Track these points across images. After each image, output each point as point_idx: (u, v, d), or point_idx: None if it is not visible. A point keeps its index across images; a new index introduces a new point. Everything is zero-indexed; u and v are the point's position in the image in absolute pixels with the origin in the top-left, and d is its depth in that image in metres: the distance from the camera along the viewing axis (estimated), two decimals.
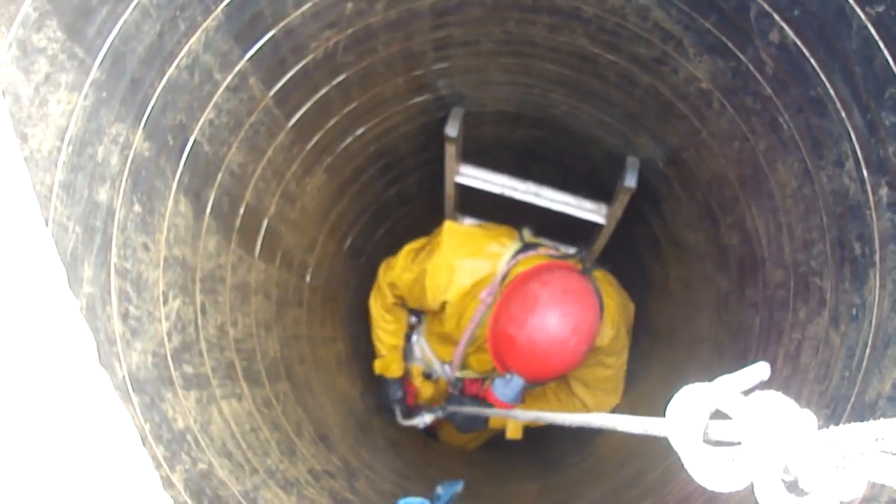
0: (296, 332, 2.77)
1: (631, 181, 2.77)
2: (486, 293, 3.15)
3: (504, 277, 3.12)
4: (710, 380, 0.78)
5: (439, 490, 2.19)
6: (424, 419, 3.80)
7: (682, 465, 0.74)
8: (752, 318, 2.27)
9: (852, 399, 1.61)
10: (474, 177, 3.13)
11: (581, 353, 2.85)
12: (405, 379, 4.02)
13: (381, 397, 3.87)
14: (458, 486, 2.16)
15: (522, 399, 3.29)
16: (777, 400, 0.69)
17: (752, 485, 0.68)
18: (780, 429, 0.67)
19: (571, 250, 3.52)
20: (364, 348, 4.11)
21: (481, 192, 3.16)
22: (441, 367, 3.83)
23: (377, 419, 3.70)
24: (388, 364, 3.76)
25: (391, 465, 3.13)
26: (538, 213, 3.18)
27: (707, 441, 0.74)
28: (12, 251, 1.09)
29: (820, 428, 0.68)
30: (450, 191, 3.21)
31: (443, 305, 3.26)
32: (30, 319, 1.10)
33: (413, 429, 4.12)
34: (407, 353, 3.99)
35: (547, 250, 3.31)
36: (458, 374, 3.73)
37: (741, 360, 2.31)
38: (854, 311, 1.68)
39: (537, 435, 4.32)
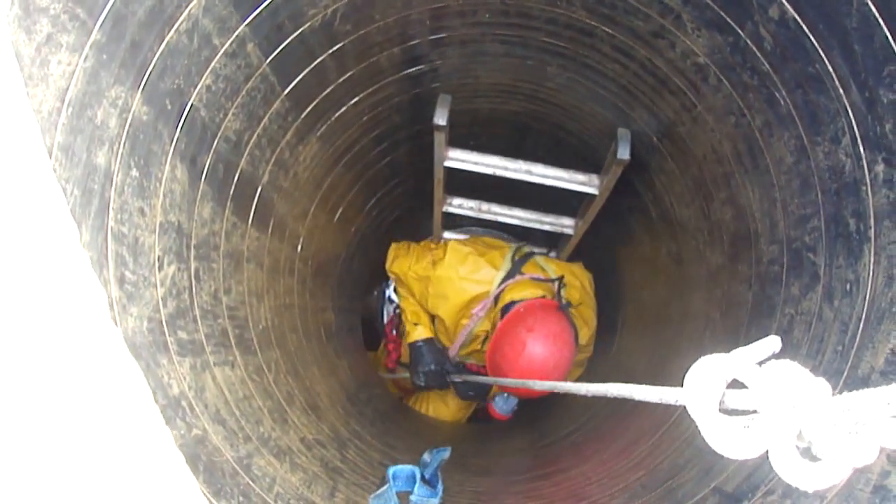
0: (287, 302, 2.76)
1: (624, 153, 2.78)
2: (478, 309, 3.85)
3: (496, 298, 3.82)
4: (701, 355, 0.79)
5: (426, 457, 2.21)
6: (422, 380, 4.23)
7: (698, 434, 0.75)
8: (745, 293, 2.29)
9: (845, 373, 1.63)
10: (464, 160, 3.16)
11: (563, 376, 3.56)
12: (392, 338, 4.69)
13: (413, 365, 4.13)
14: (445, 453, 2.18)
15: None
16: (791, 368, 0.70)
17: (766, 452, 0.69)
18: (794, 396, 0.68)
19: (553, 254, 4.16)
20: (352, 321, 4.14)
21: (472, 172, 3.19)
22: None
23: (365, 391, 3.71)
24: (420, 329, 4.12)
25: (379, 436, 3.14)
26: (530, 189, 3.21)
27: (723, 410, 0.75)
28: (23, 207, 1.09)
29: (833, 395, 0.69)
30: (439, 175, 3.26)
31: (433, 317, 4.00)
32: (41, 279, 1.10)
33: (400, 401, 4.30)
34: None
35: (532, 273, 3.90)
36: (459, 359, 4.29)
37: (732, 335, 2.33)
38: (848, 287, 1.70)
39: (528, 408, 4.44)
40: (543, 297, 3.79)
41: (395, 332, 4.79)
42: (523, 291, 3.79)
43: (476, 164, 3.15)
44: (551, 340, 3.49)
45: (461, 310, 3.91)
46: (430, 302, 3.96)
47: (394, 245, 4.18)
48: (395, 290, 4.31)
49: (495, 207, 3.69)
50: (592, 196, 3.20)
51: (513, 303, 3.72)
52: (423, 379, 4.07)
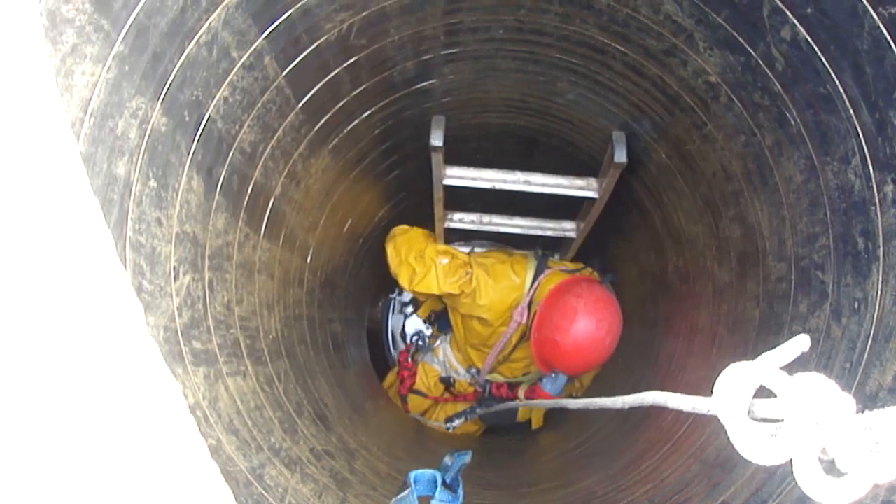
0: (296, 313, 2.78)
1: (620, 156, 2.85)
2: (517, 313, 3.86)
3: (531, 299, 3.83)
4: (708, 371, 0.81)
5: (447, 460, 2.21)
6: (455, 423, 4.26)
7: (728, 439, 0.77)
8: (752, 310, 2.30)
9: (853, 390, 1.64)
10: (462, 176, 3.20)
11: (612, 348, 3.57)
12: (408, 365, 4.58)
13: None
14: (467, 457, 2.18)
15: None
16: (820, 382, 0.72)
17: (790, 465, 0.70)
18: (820, 409, 0.69)
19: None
20: (359, 332, 4.16)
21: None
22: (466, 372, 4.45)
23: (370, 402, 3.72)
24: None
25: (386, 448, 3.15)
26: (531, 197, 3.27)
27: (751, 417, 0.77)
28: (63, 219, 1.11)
29: (858, 412, 0.70)
30: (439, 194, 3.31)
31: (479, 318, 3.97)
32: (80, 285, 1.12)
33: (406, 412, 4.32)
34: (427, 357, 4.49)
35: (559, 266, 3.94)
36: (487, 377, 4.34)
37: (739, 352, 2.34)
38: (856, 305, 1.71)
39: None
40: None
41: (410, 359, 4.73)
42: (558, 280, 3.85)
43: (475, 179, 3.19)
44: (602, 304, 3.54)
45: (500, 313, 3.94)
46: (465, 307, 4.00)
47: (393, 256, 4.08)
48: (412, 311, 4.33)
49: (496, 218, 3.74)
50: (592, 199, 3.26)
51: None
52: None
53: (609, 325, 3.49)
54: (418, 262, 4.01)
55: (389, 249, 4.08)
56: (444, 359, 4.59)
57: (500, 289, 3.88)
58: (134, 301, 1.33)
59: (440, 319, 4.67)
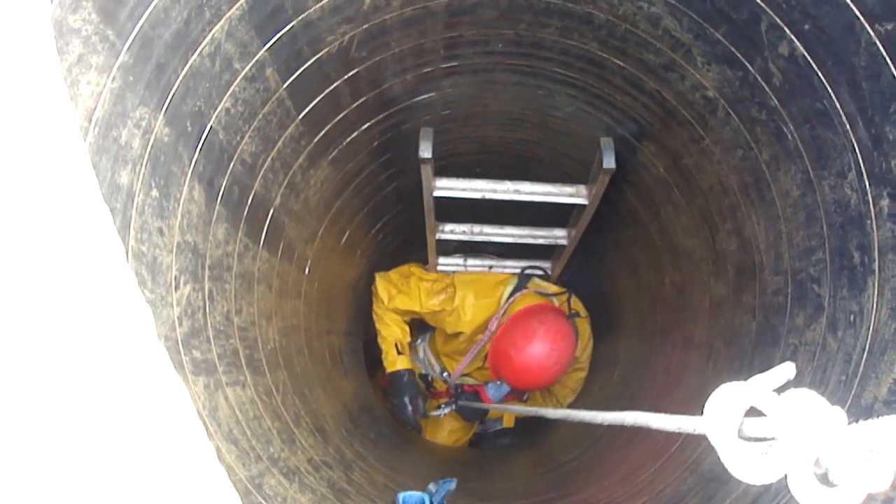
0: (294, 324, 2.78)
1: (609, 162, 2.86)
2: (491, 323, 4.08)
3: (504, 311, 4.05)
4: (704, 384, 0.82)
5: (431, 487, 2.22)
6: (444, 411, 4.59)
7: (718, 460, 0.78)
8: (749, 323, 2.31)
9: (848, 403, 1.64)
10: (451, 187, 3.22)
11: (556, 376, 3.86)
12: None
13: (400, 394, 4.20)
14: (451, 485, 2.18)
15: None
16: (809, 397, 0.73)
17: (784, 477, 0.71)
18: (811, 424, 0.70)
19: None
20: (355, 344, 4.17)
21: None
22: (441, 373, 4.69)
23: (367, 415, 3.73)
24: (404, 359, 4.27)
25: (383, 459, 3.15)
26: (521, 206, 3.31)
27: (742, 437, 0.78)
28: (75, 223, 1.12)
29: (849, 423, 0.71)
30: (429, 206, 3.32)
31: (457, 333, 4.20)
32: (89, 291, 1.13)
33: (400, 425, 4.38)
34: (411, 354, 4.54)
35: (535, 288, 4.24)
36: (458, 381, 4.61)
37: (735, 365, 2.34)
38: (852, 318, 1.72)
39: (528, 433, 4.51)
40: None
41: None
42: (530, 302, 4.06)
43: (464, 189, 3.21)
44: (560, 337, 3.75)
45: (479, 326, 4.15)
46: (450, 325, 4.19)
47: (380, 279, 4.27)
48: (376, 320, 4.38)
49: (487, 228, 3.77)
50: (583, 206, 3.28)
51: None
52: (410, 408, 4.19)
53: (559, 355, 3.71)
54: (402, 280, 4.22)
55: (377, 279, 4.27)
56: (424, 357, 4.82)
57: (480, 306, 4.11)
58: (142, 307, 1.33)
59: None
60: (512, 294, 4.14)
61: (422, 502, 1.93)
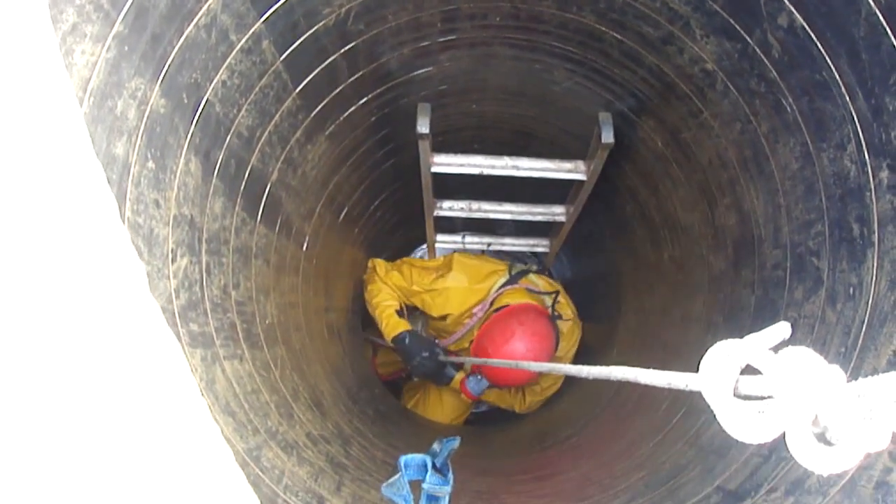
0: (291, 300, 2.78)
1: (608, 136, 2.87)
2: (478, 309, 4.28)
3: (492, 301, 4.25)
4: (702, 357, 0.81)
5: (436, 446, 2.22)
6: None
7: (713, 419, 0.77)
8: (748, 297, 2.31)
9: (848, 374, 1.64)
10: (449, 163, 3.22)
11: (532, 375, 4.16)
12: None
13: (416, 352, 4.11)
14: (455, 443, 2.18)
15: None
16: (806, 355, 0.72)
17: (782, 439, 0.71)
18: (809, 382, 0.70)
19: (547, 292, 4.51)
20: (354, 322, 4.17)
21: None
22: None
23: (366, 391, 3.74)
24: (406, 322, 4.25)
25: (381, 435, 3.16)
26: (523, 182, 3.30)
27: (738, 395, 0.77)
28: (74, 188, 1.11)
29: (848, 381, 0.71)
30: (427, 182, 3.33)
31: (444, 315, 4.33)
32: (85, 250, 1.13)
33: (398, 403, 4.42)
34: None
35: (527, 284, 4.42)
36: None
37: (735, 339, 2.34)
38: (851, 291, 1.72)
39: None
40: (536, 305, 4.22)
41: None
42: (518, 298, 4.22)
43: (462, 165, 3.21)
44: (537, 339, 3.92)
45: (466, 311, 4.29)
46: (437, 307, 4.31)
47: (374, 261, 4.37)
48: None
49: (485, 205, 3.79)
50: (581, 182, 3.28)
51: (506, 305, 4.15)
52: (422, 369, 4.15)
53: (535, 356, 3.83)
54: (395, 265, 4.41)
55: (371, 262, 4.39)
56: (422, 329, 4.89)
57: (470, 290, 4.29)
58: (140, 276, 1.33)
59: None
60: (503, 286, 4.30)
61: (424, 464, 1.93)
